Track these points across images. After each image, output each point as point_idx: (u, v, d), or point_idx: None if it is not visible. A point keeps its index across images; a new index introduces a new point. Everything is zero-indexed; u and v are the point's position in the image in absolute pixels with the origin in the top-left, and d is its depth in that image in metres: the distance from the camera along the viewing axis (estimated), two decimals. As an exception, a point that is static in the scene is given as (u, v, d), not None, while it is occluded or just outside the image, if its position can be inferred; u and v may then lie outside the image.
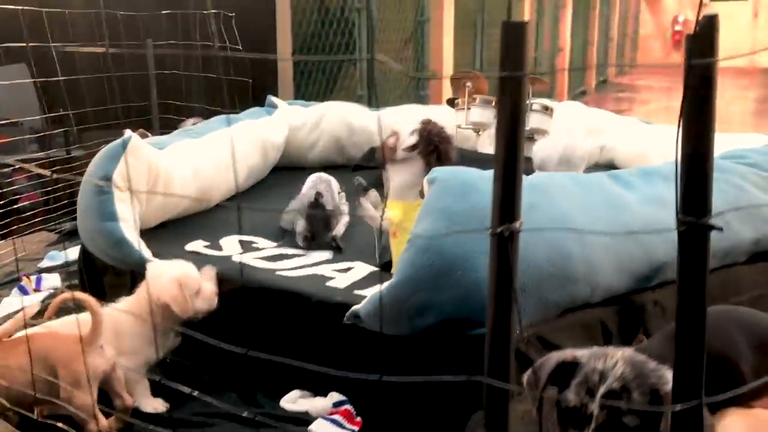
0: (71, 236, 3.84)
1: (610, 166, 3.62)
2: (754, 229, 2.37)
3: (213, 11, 4.26)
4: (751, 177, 2.46)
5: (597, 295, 1.99)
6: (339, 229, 2.73)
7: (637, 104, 9.77)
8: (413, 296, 1.84)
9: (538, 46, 9.67)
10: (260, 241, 2.70)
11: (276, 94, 5.60)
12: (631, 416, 1.19)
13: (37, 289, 3.08)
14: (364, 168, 3.61)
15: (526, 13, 9.52)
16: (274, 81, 5.64)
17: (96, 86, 3.93)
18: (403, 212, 2.27)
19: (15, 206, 3.89)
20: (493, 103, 3.52)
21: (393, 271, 2.34)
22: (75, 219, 4.00)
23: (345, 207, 2.86)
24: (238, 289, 2.21)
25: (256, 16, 5.46)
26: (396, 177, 2.38)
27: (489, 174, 1.88)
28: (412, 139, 2.33)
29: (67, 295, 1.87)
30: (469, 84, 3.61)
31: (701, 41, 0.82)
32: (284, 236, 2.72)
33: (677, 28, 10.73)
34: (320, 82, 6.94)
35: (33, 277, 3.14)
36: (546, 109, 3.41)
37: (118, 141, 2.48)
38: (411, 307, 1.85)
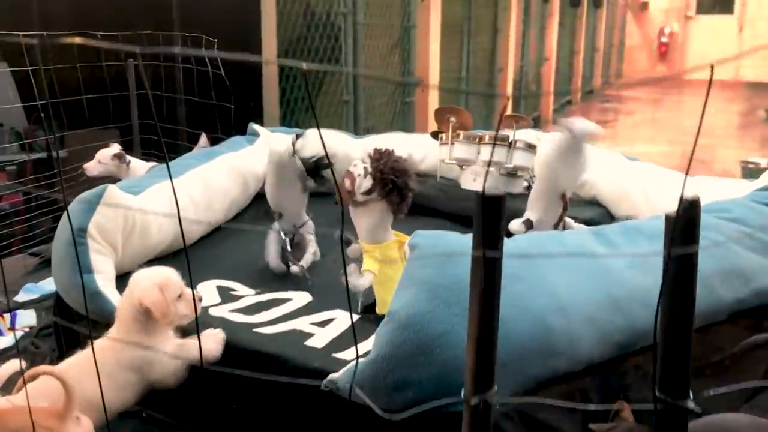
0: (49, 264, 3.78)
1: (593, 202, 3.61)
2: (737, 290, 2.35)
3: (195, 35, 4.19)
4: (734, 234, 2.44)
5: (579, 366, 1.97)
6: (307, 258, 2.72)
7: (622, 115, 9.80)
8: (391, 373, 1.81)
9: (524, 55, 9.68)
10: (239, 288, 2.66)
11: (261, 103, 5.58)
12: None
13: (11, 328, 3.03)
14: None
15: (513, 22, 9.52)
16: (259, 85, 5.63)
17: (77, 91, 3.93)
18: (381, 254, 2.25)
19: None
20: (478, 140, 3.50)
21: (378, 311, 2.33)
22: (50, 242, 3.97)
23: (312, 237, 2.83)
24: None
25: (241, 19, 5.43)
26: (361, 220, 2.36)
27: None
28: (367, 184, 2.30)
29: (32, 371, 1.81)
30: (453, 119, 3.57)
31: (683, 226, 0.79)
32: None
33: (663, 39, 10.76)
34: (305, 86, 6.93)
35: (7, 316, 3.09)
36: (530, 147, 3.38)
37: (94, 191, 2.43)
38: (389, 383, 1.82)
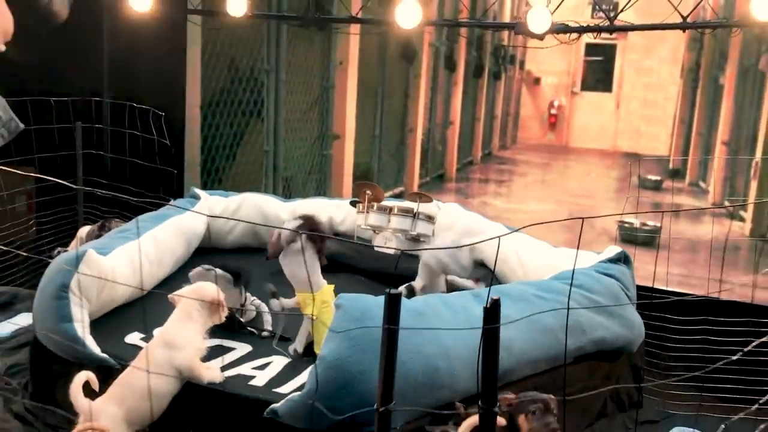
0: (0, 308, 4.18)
1: (481, 263, 4.37)
2: (577, 339, 3.13)
3: (146, 107, 4.71)
4: (576, 296, 3.22)
5: (457, 396, 2.66)
6: (249, 314, 3.29)
7: (516, 176, 10.91)
8: (320, 401, 2.44)
9: (431, 118, 10.60)
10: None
11: (182, 149, 5.87)
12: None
13: (-22, 368, 3.43)
14: None
15: (422, 88, 10.43)
16: (182, 136, 6.05)
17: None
18: (319, 299, 2.86)
19: None
20: (388, 210, 4.22)
21: (315, 350, 2.90)
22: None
23: (258, 301, 3.40)
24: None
25: (167, 71, 5.83)
26: (294, 269, 2.93)
27: (381, 301, 2.54)
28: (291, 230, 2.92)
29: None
30: (369, 192, 4.28)
31: (490, 313, 1.50)
32: None
33: (553, 111, 12.03)
34: (228, 136, 7.41)
35: (-26, 356, 3.49)
36: (429, 218, 4.14)
37: (74, 253, 2.96)
38: (318, 409, 2.45)
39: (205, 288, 2.76)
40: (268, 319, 3.31)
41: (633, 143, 10.99)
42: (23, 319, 3.95)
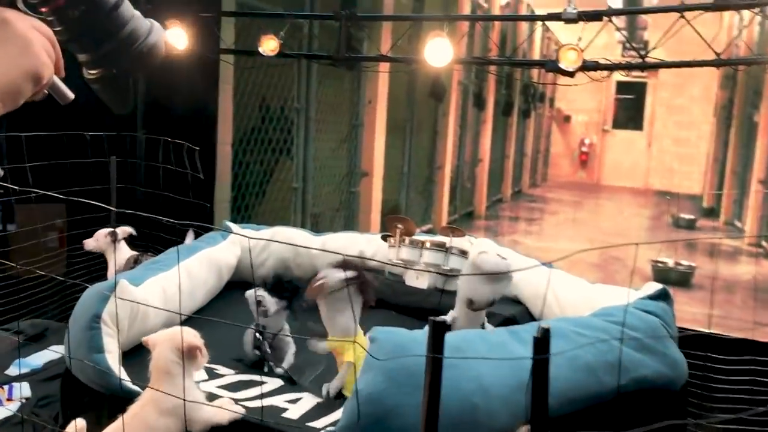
0: (32, 340, 4.18)
1: (515, 300, 4.29)
2: (617, 378, 3.02)
3: (178, 141, 4.78)
4: (616, 334, 3.13)
5: (494, 434, 2.58)
6: (288, 359, 3.23)
7: (547, 214, 10.82)
8: (356, 438, 2.38)
9: (460, 156, 10.62)
10: (220, 368, 3.18)
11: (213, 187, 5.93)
12: None
13: (9, 399, 3.42)
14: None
15: (450, 126, 10.47)
16: (213, 173, 6.10)
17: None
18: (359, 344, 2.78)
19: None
20: (420, 245, 4.17)
21: (346, 394, 2.83)
22: (28, 317, 4.36)
23: (290, 340, 3.34)
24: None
25: (200, 108, 5.94)
26: (333, 313, 2.88)
27: (418, 335, 2.48)
28: (339, 275, 2.82)
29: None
30: (400, 225, 4.24)
31: (540, 344, 1.44)
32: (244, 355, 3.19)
33: (583, 149, 11.98)
34: (258, 173, 7.47)
35: (6, 387, 3.48)
36: (462, 253, 4.07)
37: (108, 284, 2.95)
38: (353, 444, 2.38)
39: (178, 334, 2.52)
40: (290, 352, 3.23)
41: (665, 181, 10.86)
42: (54, 352, 3.95)
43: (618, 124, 11.66)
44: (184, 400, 2.15)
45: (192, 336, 2.54)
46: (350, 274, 2.85)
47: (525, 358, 1.63)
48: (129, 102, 0.97)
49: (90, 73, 0.91)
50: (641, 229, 10.39)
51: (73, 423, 2.36)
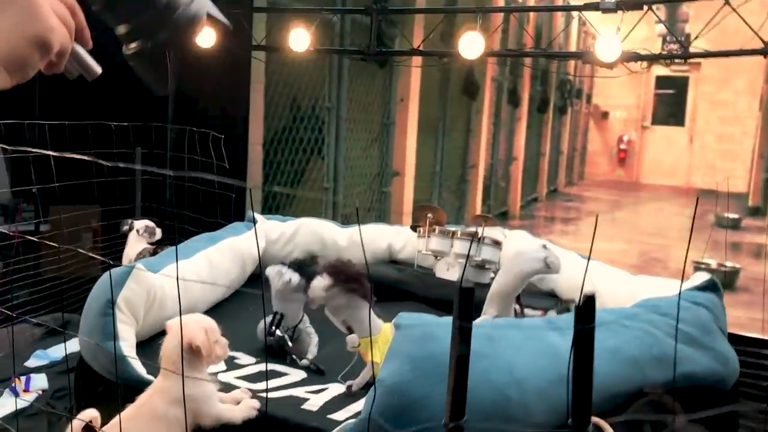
0: (53, 334, 4.09)
1: (551, 294, 4.07)
2: (665, 373, 2.80)
3: (203, 130, 4.68)
4: (662, 326, 2.91)
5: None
6: (312, 350, 3.07)
7: (584, 214, 10.49)
8: (379, 429, 2.19)
9: (494, 154, 10.38)
10: (242, 357, 3.03)
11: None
12: None
13: (26, 390, 3.33)
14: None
15: (484, 124, 10.26)
16: (244, 171, 6.01)
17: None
18: (383, 341, 2.60)
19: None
20: (450, 234, 3.98)
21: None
22: (54, 312, 4.28)
23: (311, 329, 3.18)
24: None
25: (231, 108, 5.84)
26: (342, 320, 2.70)
27: (446, 321, 2.28)
28: (325, 281, 2.63)
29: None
30: (430, 215, 4.06)
31: (584, 312, 1.25)
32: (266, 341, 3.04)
33: (622, 146, 11.64)
34: (289, 173, 7.39)
35: (23, 378, 3.39)
36: (496, 244, 3.87)
37: (123, 269, 2.83)
38: (376, 437, 2.20)
39: (194, 323, 2.39)
40: (313, 344, 3.08)
41: (708, 179, 10.47)
42: (74, 344, 3.85)
43: (658, 120, 11.26)
44: (183, 396, 1.99)
45: (205, 328, 2.39)
46: (327, 281, 2.65)
47: (566, 334, 1.43)
48: (169, 81, 0.86)
49: (129, 48, 0.84)
50: (682, 228, 10.02)
51: (84, 413, 2.22)
